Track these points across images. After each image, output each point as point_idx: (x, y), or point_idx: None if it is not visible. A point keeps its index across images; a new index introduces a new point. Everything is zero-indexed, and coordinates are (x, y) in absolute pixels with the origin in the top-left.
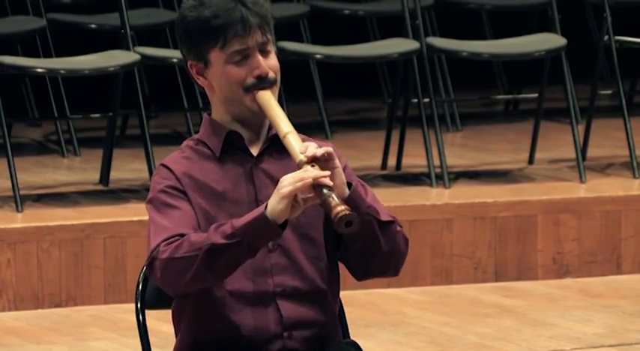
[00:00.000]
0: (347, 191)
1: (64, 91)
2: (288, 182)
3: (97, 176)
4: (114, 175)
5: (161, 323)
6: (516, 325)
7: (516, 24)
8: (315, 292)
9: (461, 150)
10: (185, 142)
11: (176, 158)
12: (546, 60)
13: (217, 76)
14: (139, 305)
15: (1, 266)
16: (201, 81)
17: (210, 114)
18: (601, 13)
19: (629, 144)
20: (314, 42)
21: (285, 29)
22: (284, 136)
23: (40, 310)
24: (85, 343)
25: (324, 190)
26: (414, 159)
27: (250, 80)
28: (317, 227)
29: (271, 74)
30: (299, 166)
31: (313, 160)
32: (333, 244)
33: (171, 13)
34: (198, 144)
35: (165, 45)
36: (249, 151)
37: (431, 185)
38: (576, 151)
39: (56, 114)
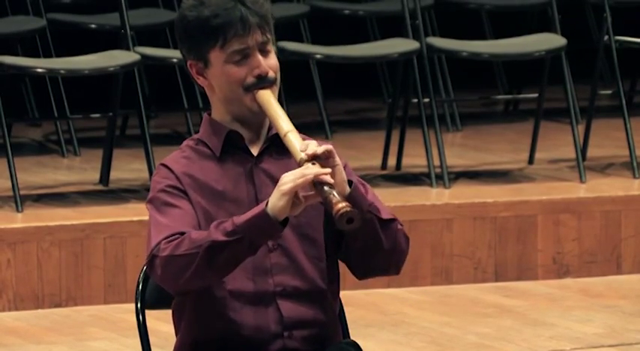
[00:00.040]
0: (348, 189)
1: (64, 91)
2: (289, 179)
3: (97, 176)
4: (114, 175)
5: (161, 323)
6: (516, 325)
7: (516, 24)
8: (316, 291)
9: (461, 150)
10: (185, 142)
11: (176, 158)
12: (546, 60)
13: (217, 75)
14: (139, 305)
15: (1, 266)
16: (201, 81)
17: (210, 114)
18: (601, 13)
19: (629, 144)
20: (314, 42)
21: (285, 29)
22: (284, 135)
23: (40, 310)
24: (85, 343)
25: (325, 188)
26: (414, 159)
27: (250, 80)
28: (317, 227)
29: (271, 74)
30: (300, 164)
31: (314, 158)
32: (333, 244)
33: (171, 13)
34: (199, 144)
35: (165, 45)
36: (250, 151)
37: (431, 185)
38: (576, 151)
39: (56, 114)
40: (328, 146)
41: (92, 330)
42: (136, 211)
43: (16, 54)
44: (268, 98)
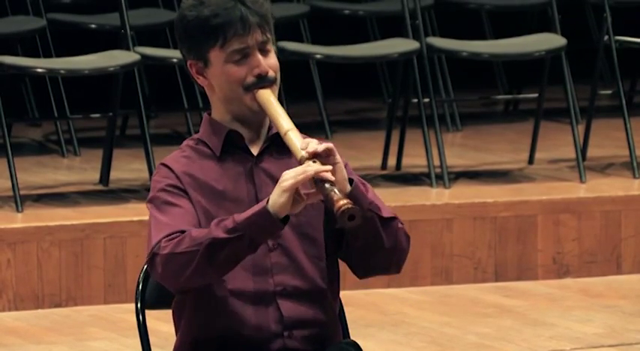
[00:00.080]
0: (349, 187)
1: (64, 91)
2: (290, 176)
3: (97, 176)
4: (114, 175)
5: (161, 323)
6: (516, 325)
7: (516, 24)
8: (316, 291)
9: (461, 150)
10: (185, 142)
11: (176, 157)
12: (546, 60)
13: (217, 75)
14: (139, 305)
15: (1, 266)
16: (201, 80)
17: (210, 114)
18: (601, 13)
19: (629, 144)
20: (314, 42)
21: (285, 29)
22: (285, 133)
23: (40, 310)
24: (85, 343)
25: (326, 185)
26: (414, 159)
27: (250, 79)
28: (317, 227)
29: (271, 73)
30: (300, 162)
31: (315, 156)
32: (333, 244)
33: (171, 13)
34: (199, 143)
35: (165, 45)
36: (250, 151)
37: (431, 185)
38: (576, 151)
39: (56, 114)
40: (329, 144)
41: (92, 330)
42: (136, 211)
43: (16, 54)
44: (268, 97)
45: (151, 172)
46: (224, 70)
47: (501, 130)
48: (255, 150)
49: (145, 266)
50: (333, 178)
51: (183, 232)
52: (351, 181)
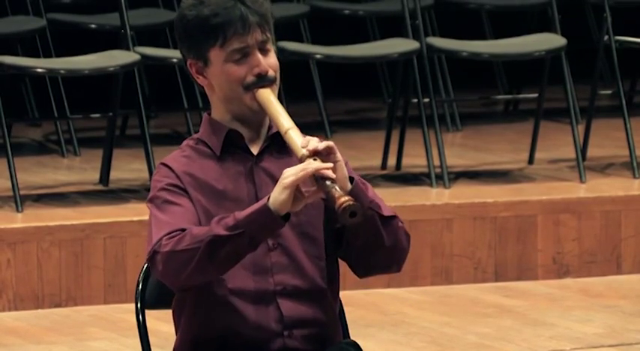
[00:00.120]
0: (349, 185)
1: (64, 91)
2: (291, 173)
3: (97, 176)
4: (114, 175)
5: (161, 323)
6: (516, 325)
7: (516, 24)
8: (316, 290)
9: (461, 150)
10: (185, 142)
11: (176, 157)
12: (546, 60)
13: (217, 74)
14: (138, 305)
15: (1, 266)
16: (200, 80)
17: (209, 113)
18: (601, 13)
19: (629, 144)
20: (314, 42)
21: (285, 29)
22: (285, 132)
23: (40, 310)
24: (85, 343)
25: (327, 182)
26: (414, 159)
27: (250, 78)
28: (317, 226)
29: (271, 72)
30: (301, 161)
31: (315, 154)
32: (333, 243)
33: (171, 13)
34: (199, 143)
35: (165, 45)
36: (250, 150)
37: (431, 185)
38: (576, 151)
39: (56, 114)
40: (329, 142)
41: (92, 330)
42: (136, 211)
43: (16, 54)
44: (268, 97)
45: (151, 172)
46: (224, 70)
47: (501, 130)
48: (255, 149)
49: (145, 266)
50: (334, 176)
51: (183, 230)
52: (351, 179)
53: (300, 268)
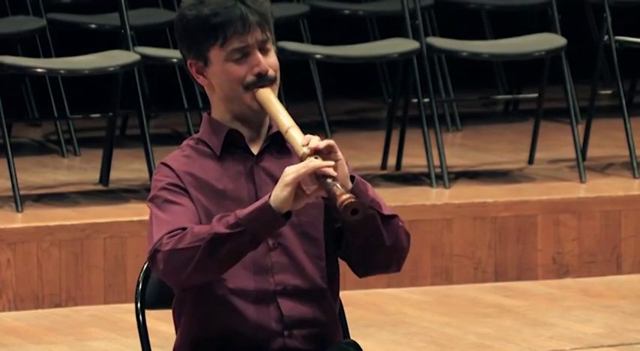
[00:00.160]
0: (350, 184)
1: (64, 91)
2: (292, 170)
3: (97, 176)
4: (114, 175)
5: (161, 323)
6: (516, 325)
7: (516, 24)
8: (316, 290)
9: (461, 150)
10: (185, 142)
11: (176, 157)
12: (546, 60)
13: (217, 74)
14: (138, 305)
15: (1, 266)
16: (200, 80)
17: (209, 113)
18: (601, 13)
19: (629, 144)
20: (314, 42)
21: (285, 29)
22: (286, 131)
23: (40, 310)
24: (85, 343)
25: (329, 180)
26: (414, 159)
27: (250, 78)
28: (317, 226)
29: (271, 72)
30: (302, 159)
31: (316, 153)
32: (333, 243)
33: (171, 13)
34: (199, 143)
35: (165, 45)
36: (250, 150)
37: (431, 185)
38: (576, 151)
39: (56, 114)
40: (330, 141)
41: (92, 330)
42: (136, 211)
43: (16, 54)
44: (268, 96)
45: (151, 172)
46: (224, 69)
47: (501, 130)
48: (255, 149)
49: (145, 266)
50: (335, 174)
51: (184, 229)
52: (352, 178)
53: (300, 267)
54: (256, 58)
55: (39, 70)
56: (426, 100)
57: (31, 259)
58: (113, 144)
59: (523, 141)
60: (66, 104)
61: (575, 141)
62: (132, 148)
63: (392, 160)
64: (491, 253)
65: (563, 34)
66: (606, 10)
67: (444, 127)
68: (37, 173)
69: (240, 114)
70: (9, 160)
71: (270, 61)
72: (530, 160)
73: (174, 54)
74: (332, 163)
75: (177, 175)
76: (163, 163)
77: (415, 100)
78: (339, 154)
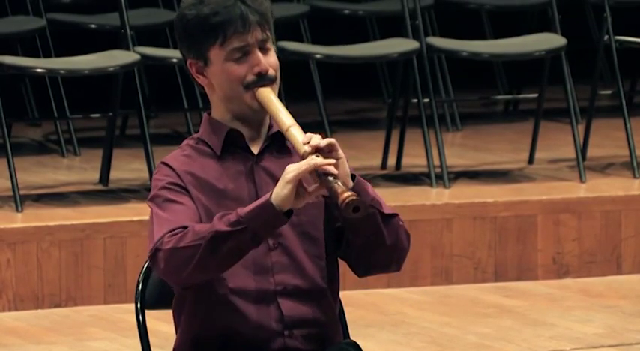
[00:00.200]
0: (351, 183)
1: (64, 91)
2: (293, 168)
3: (97, 176)
4: (114, 175)
5: (161, 323)
6: (516, 325)
7: (516, 24)
8: (316, 290)
9: (461, 150)
10: (185, 141)
11: (176, 156)
12: (546, 60)
13: (217, 73)
14: (138, 305)
15: (1, 266)
16: (200, 80)
17: (209, 113)
18: (601, 13)
19: (629, 144)
20: (314, 42)
21: (285, 29)
22: (287, 130)
23: (40, 310)
24: (85, 343)
25: (330, 178)
26: (414, 159)
27: (250, 77)
28: (318, 226)
29: (271, 71)
30: (303, 158)
31: (317, 151)
32: (333, 243)
33: (171, 13)
34: (199, 143)
35: (165, 45)
36: (250, 150)
37: (431, 185)
38: (576, 151)
39: (56, 114)
40: (331, 139)
41: (92, 330)
42: (136, 211)
43: (16, 54)
44: (268, 95)
45: (151, 172)
46: (224, 69)
47: (501, 130)
48: (255, 149)
49: (145, 266)
50: (336, 172)
51: (185, 228)
52: (352, 177)
53: (300, 267)
54: (256, 58)
55: (39, 70)
56: (426, 100)
57: (31, 259)
58: (113, 144)
59: (523, 141)
60: (66, 104)
61: (575, 141)
62: (132, 148)
63: (392, 160)
64: (491, 253)
65: (563, 34)
66: (606, 10)
67: (444, 127)
68: (37, 173)
69: (240, 113)
70: (9, 160)
71: (270, 61)
72: (530, 160)
73: (174, 54)
74: (333, 161)
75: (178, 175)
76: (163, 163)
77: (415, 100)
78: (340, 152)
